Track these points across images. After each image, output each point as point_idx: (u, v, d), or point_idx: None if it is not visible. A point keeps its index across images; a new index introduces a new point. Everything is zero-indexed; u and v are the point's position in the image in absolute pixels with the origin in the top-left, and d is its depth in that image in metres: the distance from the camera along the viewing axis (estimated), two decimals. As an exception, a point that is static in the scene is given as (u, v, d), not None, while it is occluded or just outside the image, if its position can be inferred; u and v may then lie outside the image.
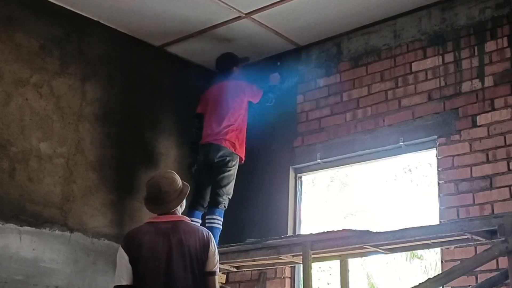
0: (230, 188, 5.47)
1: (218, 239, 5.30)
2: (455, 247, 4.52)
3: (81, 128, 5.39)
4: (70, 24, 5.48)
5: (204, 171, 5.55)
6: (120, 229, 5.47)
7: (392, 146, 5.24)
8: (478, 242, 4.10)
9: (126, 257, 3.69)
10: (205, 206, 5.50)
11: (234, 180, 5.51)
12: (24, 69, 5.11)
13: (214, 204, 5.40)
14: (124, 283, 3.66)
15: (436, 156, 4.97)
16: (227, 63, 5.89)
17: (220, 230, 5.35)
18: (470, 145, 4.79)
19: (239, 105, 5.61)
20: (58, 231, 5.06)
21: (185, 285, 3.64)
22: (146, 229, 3.80)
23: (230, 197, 5.46)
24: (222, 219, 5.38)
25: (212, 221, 5.33)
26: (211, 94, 5.76)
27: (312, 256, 4.44)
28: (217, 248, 5.03)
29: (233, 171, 5.50)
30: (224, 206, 5.42)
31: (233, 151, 5.48)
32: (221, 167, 5.45)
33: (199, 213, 5.47)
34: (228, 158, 5.46)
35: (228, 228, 5.53)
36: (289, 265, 5.42)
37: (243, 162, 5.59)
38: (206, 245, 3.78)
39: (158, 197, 3.83)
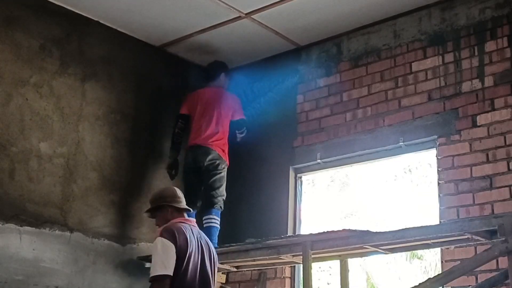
0: (223, 190, 5.51)
1: (217, 238, 5.30)
2: (455, 247, 4.52)
3: (81, 128, 5.40)
4: (70, 24, 5.48)
5: (193, 173, 5.57)
6: (120, 229, 5.47)
7: (392, 146, 5.24)
8: (478, 242, 4.10)
9: (174, 249, 3.79)
10: (197, 205, 5.50)
11: (225, 182, 5.54)
12: (24, 69, 5.11)
13: (210, 205, 5.42)
14: (169, 273, 3.75)
15: (436, 156, 4.97)
16: (215, 69, 5.95)
17: (218, 229, 5.35)
18: (470, 145, 4.79)
19: (227, 115, 5.69)
20: (58, 231, 5.06)
21: (210, 284, 3.94)
22: (185, 228, 3.98)
23: (224, 198, 5.49)
24: (219, 219, 5.39)
25: (210, 220, 5.34)
26: (202, 97, 5.77)
27: (312, 256, 4.44)
28: (217, 248, 5.09)
29: (224, 173, 5.54)
30: (220, 207, 5.43)
31: (222, 155, 5.54)
32: (212, 170, 5.49)
33: (193, 213, 5.44)
34: (217, 161, 5.51)
35: (228, 228, 5.54)
36: (289, 265, 5.42)
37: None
38: (215, 250, 4.23)
39: (176, 195, 4.21)
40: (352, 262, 5.05)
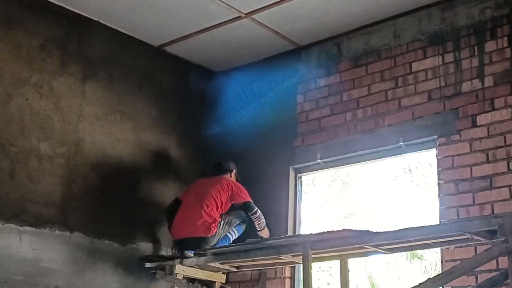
0: (233, 221, 5.44)
1: (221, 243, 5.30)
2: (455, 247, 4.52)
3: (81, 128, 5.39)
4: (70, 24, 5.48)
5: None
6: (120, 229, 5.47)
7: (392, 146, 5.24)
8: (478, 242, 4.10)
9: None
10: None
11: (231, 223, 5.42)
12: (24, 69, 5.11)
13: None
14: None
15: (436, 156, 4.97)
16: (223, 167, 5.67)
17: (228, 240, 5.36)
18: (470, 145, 4.79)
19: (220, 195, 5.38)
20: (58, 231, 5.06)
21: None
22: None
23: (240, 221, 5.48)
24: (237, 234, 5.45)
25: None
26: (193, 186, 5.60)
27: (312, 256, 4.44)
28: (217, 248, 5.10)
29: (222, 230, 5.34)
30: (240, 224, 5.48)
31: (209, 234, 5.24)
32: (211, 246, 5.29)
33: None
34: (207, 240, 5.25)
35: (228, 228, 5.54)
36: (289, 265, 5.42)
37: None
38: None
39: None
40: (352, 262, 5.04)
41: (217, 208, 5.32)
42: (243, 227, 5.49)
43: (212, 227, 5.23)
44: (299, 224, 5.69)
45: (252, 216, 5.43)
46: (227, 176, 5.62)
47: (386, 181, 13.21)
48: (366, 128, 5.40)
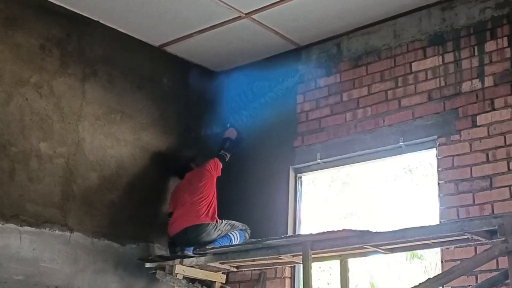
0: (233, 229, 5.50)
1: (220, 244, 5.31)
2: (455, 247, 4.52)
3: (81, 128, 5.40)
4: (70, 24, 5.48)
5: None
6: (120, 229, 5.47)
7: (392, 146, 5.24)
8: (478, 242, 4.10)
9: None
10: None
11: (234, 226, 5.51)
12: (24, 69, 5.11)
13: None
14: None
15: (436, 156, 4.97)
16: (182, 165, 5.90)
17: (230, 240, 5.39)
18: (470, 145, 4.79)
19: (205, 185, 5.54)
20: (58, 231, 5.06)
21: None
22: None
23: (240, 227, 5.54)
24: (238, 237, 5.48)
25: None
26: (177, 191, 5.71)
27: (312, 256, 4.44)
28: (217, 247, 5.10)
29: (224, 227, 5.44)
30: (235, 236, 5.48)
31: (212, 221, 5.42)
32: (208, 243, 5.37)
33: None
34: (209, 231, 5.38)
35: (228, 228, 5.53)
36: (289, 265, 5.42)
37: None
38: None
39: None
40: (353, 262, 5.04)
41: (213, 195, 5.49)
42: (245, 235, 5.51)
43: (216, 216, 5.39)
44: (299, 224, 5.69)
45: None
46: (198, 165, 5.75)
47: (386, 181, 13.19)
48: (366, 128, 5.40)
